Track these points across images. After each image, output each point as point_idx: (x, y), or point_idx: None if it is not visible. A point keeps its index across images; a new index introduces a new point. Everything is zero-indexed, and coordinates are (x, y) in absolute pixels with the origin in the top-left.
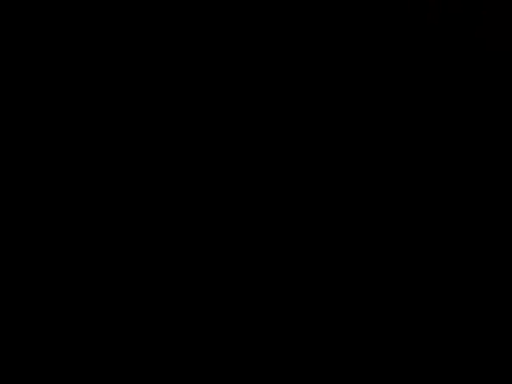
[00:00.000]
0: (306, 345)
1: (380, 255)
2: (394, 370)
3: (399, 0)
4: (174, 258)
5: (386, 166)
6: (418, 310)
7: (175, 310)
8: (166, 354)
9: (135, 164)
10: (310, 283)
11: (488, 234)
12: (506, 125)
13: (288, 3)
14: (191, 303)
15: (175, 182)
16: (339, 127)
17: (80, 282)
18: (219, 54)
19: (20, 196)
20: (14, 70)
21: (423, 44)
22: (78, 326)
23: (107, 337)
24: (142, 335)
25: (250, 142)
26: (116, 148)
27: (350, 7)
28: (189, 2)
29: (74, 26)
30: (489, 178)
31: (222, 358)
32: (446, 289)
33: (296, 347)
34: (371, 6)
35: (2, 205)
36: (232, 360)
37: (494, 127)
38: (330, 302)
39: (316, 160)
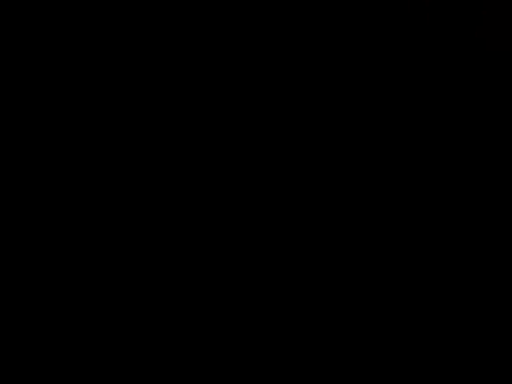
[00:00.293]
0: (306, 345)
1: (380, 255)
2: (394, 370)
3: (399, 0)
4: (173, 258)
5: (386, 166)
6: (418, 310)
7: (175, 309)
8: (166, 354)
9: (135, 164)
10: (309, 283)
11: (488, 234)
12: (506, 125)
13: (288, 3)
14: (191, 303)
15: (175, 181)
16: (338, 127)
17: (80, 282)
18: (219, 53)
19: (20, 196)
20: (14, 70)
21: (423, 44)
22: (77, 326)
23: (107, 337)
24: (142, 335)
25: (250, 141)
26: (116, 148)
27: (349, 7)
28: (189, 2)
29: (73, 25)
30: (489, 178)
31: (222, 358)
32: (446, 289)
33: (296, 347)
34: (371, 5)
35: (2, 205)
36: (232, 360)
37: (494, 127)
38: (330, 301)
39: (316, 160)
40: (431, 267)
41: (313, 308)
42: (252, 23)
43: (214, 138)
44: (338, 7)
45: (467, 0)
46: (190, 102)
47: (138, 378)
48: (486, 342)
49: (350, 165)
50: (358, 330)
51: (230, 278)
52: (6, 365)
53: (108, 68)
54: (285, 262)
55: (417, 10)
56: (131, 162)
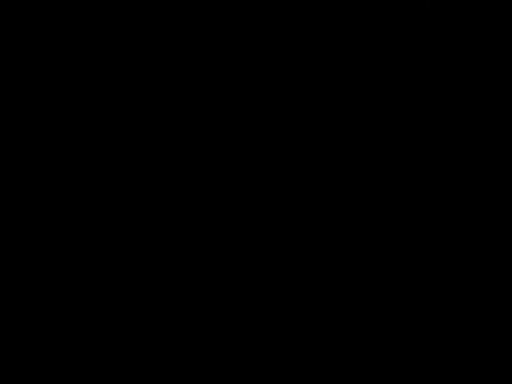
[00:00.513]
0: (306, 345)
1: (380, 255)
2: (394, 370)
3: (399, 0)
4: (174, 258)
5: (386, 166)
6: (418, 310)
7: (175, 310)
8: (166, 354)
9: (135, 164)
10: (309, 283)
11: (488, 234)
12: (506, 125)
13: (288, 3)
14: (191, 303)
15: (175, 182)
16: (338, 127)
17: (80, 283)
18: (219, 54)
19: (20, 196)
20: (14, 69)
21: (423, 44)
22: (78, 327)
23: (107, 337)
24: (142, 335)
25: (250, 142)
26: (116, 148)
27: (349, 7)
28: (189, 2)
29: (73, 25)
30: (489, 178)
31: (222, 358)
32: (446, 289)
33: (296, 347)
34: (371, 5)
35: (2, 205)
36: (232, 360)
37: (494, 127)
38: (330, 302)
39: (316, 160)
40: (431, 267)
41: (313, 308)
42: (252, 23)
43: (213, 138)
44: (339, 7)
45: (467, 0)
46: (189, 102)
47: (138, 378)
48: (485, 341)
49: (350, 164)
50: (358, 330)
51: (230, 278)
52: (6, 365)
53: (108, 68)
54: (285, 261)
55: (417, 10)
56: (131, 162)
